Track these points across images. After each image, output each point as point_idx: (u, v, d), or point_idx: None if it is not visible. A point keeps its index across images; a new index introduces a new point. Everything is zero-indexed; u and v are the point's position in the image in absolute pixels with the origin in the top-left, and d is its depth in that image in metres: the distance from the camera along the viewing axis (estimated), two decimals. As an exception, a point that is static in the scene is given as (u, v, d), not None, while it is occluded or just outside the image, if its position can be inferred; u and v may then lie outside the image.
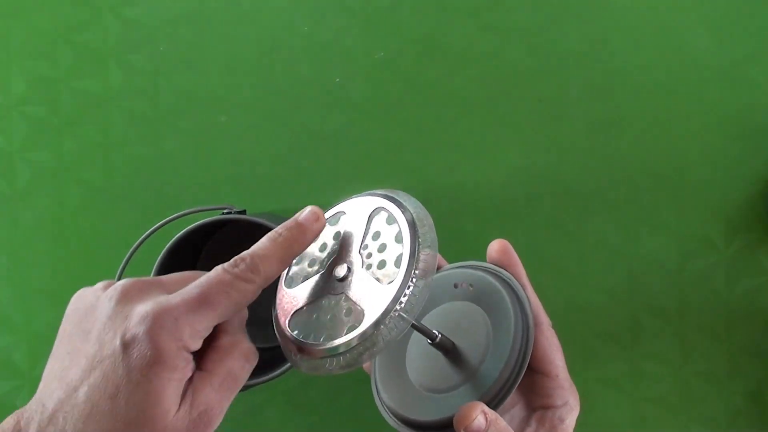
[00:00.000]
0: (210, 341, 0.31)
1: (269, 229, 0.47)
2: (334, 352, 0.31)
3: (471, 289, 0.37)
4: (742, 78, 0.57)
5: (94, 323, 0.29)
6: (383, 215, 0.33)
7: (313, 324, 0.32)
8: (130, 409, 0.27)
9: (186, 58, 0.58)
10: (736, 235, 0.57)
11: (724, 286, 0.57)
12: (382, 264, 0.31)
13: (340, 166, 0.58)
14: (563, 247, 0.57)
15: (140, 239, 0.47)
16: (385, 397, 0.38)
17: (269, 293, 0.34)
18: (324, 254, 0.34)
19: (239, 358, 0.31)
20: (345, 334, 0.31)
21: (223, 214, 0.48)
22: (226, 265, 0.30)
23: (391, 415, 0.38)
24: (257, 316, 0.39)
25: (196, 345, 0.29)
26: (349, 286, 0.32)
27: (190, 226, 0.46)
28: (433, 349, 0.36)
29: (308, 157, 0.58)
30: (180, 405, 0.28)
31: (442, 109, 0.58)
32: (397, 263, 0.31)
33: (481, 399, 0.34)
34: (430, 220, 0.33)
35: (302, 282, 0.34)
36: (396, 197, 0.33)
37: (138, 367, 0.27)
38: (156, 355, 0.27)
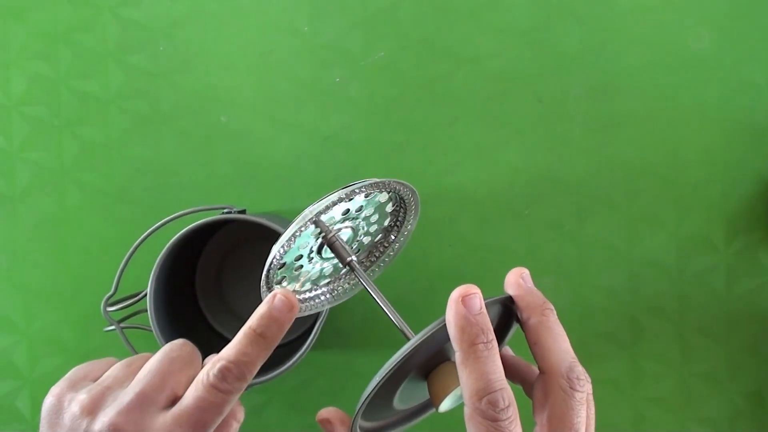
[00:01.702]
0: None
1: (269, 229, 0.47)
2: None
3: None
4: (742, 78, 0.57)
5: None
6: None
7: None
8: None
9: (186, 58, 0.58)
10: (736, 235, 0.57)
11: (724, 286, 0.57)
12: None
13: (340, 166, 0.58)
14: (563, 247, 0.57)
15: (140, 239, 0.47)
16: (366, 425, 0.37)
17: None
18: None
19: (231, 423, 0.33)
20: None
21: (223, 214, 0.48)
22: (212, 378, 0.31)
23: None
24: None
25: None
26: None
27: (190, 226, 0.46)
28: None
29: (308, 157, 0.58)
30: None
31: (442, 109, 0.58)
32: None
33: None
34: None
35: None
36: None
37: None
38: None
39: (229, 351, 0.32)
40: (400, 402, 0.36)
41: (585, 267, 0.57)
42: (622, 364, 0.57)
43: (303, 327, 0.57)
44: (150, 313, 0.47)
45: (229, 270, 0.58)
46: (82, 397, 0.31)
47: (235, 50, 0.58)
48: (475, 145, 0.58)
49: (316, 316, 0.49)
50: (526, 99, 0.57)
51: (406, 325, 0.35)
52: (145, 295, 0.47)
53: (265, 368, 0.46)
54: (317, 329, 0.47)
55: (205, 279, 0.58)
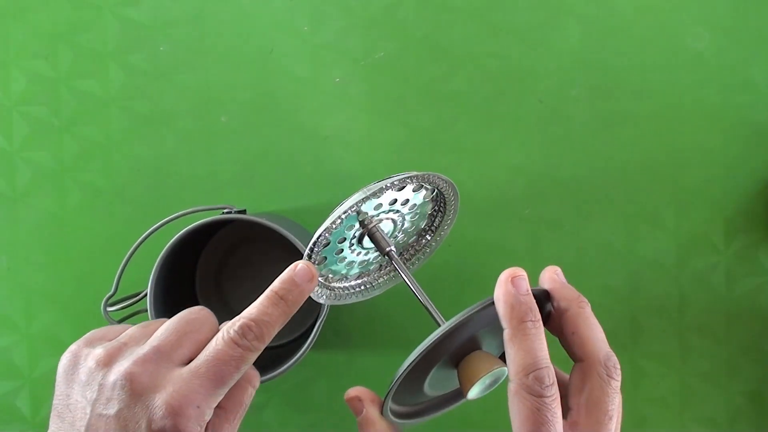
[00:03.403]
0: None
1: (269, 229, 0.47)
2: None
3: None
4: (742, 78, 0.57)
5: (110, 409, 0.29)
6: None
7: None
8: None
9: (186, 58, 0.58)
10: (736, 235, 0.57)
11: (724, 285, 0.57)
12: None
13: (339, 166, 0.58)
14: (563, 247, 0.57)
15: (140, 239, 0.47)
16: (395, 408, 0.37)
17: None
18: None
19: (247, 388, 0.33)
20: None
21: (223, 214, 0.48)
22: (233, 334, 0.31)
23: (399, 419, 0.38)
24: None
25: (212, 413, 0.31)
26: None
27: (190, 226, 0.46)
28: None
29: (308, 157, 0.58)
30: None
31: (442, 109, 0.58)
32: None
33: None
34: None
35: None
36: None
37: None
38: None
39: (250, 311, 0.33)
40: (431, 388, 0.36)
41: (585, 266, 0.57)
42: (622, 364, 0.57)
43: (303, 327, 0.57)
44: (150, 313, 0.47)
45: (229, 270, 0.58)
46: (98, 351, 0.31)
47: (235, 50, 0.58)
48: (475, 145, 0.58)
49: (317, 315, 0.49)
50: (526, 99, 0.57)
51: (439, 313, 0.36)
52: (145, 295, 0.47)
53: (265, 368, 0.46)
54: (317, 329, 0.47)
55: (205, 279, 0.58)
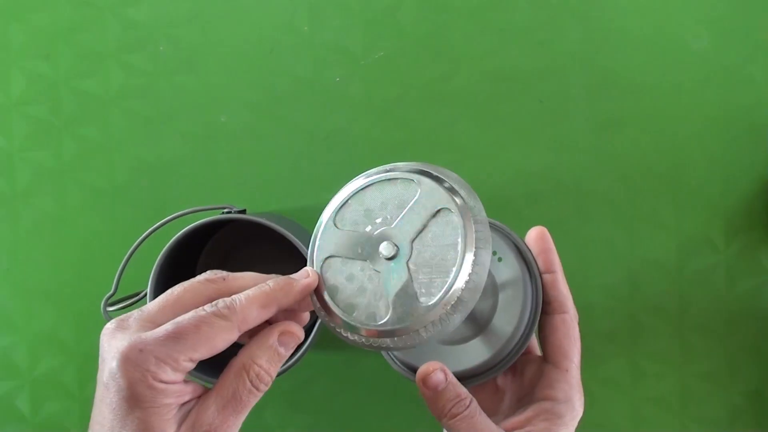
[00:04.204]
0: (230, 359, 0.32)
1: (269, 229, 0.47)
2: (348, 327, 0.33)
3: (495, 256, 0.39)
4: (742, 78, 0.56)
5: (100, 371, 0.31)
6: (446, 218, 0.33)
7: (341, 281, 0.34)
8: None
9: (186, 58, 0.58)
10: (736, 235, 0.57)
11: (724, 286, 0.57)
12: (426, 274, 0.32)
13: (340, 166, 0.58)
14: (563, 247, 0.57)
15: (140, 239, 0.47)
16: (399, 353, 0.38)
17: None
18: (381, 215, 0.34)
19: (242, 377, 0.31)
20: (360, 322, 0.33)
21: (223, 214, 0.48)
22: (207, 304, 0.31)
23: (402, 366, 0.39)
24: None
25: (171, 376, 0.29)
26: (388, 271, 0.33)
27: (190, 226, 0.46)
28: None
29: (308, 157, 0.58)
30: (179, 427, 0.30)
31: (442, 109, 0.58)
32: (442, 285, 0.32)
33: (494, 353, 0.37)
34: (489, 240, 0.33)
35: (348, 228, 0.35)
36: (465, 198, 0.34)
37: (119, 401, 0.29)
38: (127, 387, 0.28)
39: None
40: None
41: (585, 266, 0.57)
42: (622, 364, 0.57)
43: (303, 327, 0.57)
44: (150, 313, 0.47)
45: (229, 270, 0.58)
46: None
47: (235, 50, 0.58)
48: (475, 145, 0.58)
49: (317, 315, 0.48)
50: (526, 99, 0.57)
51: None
52: (145, 295, 0.47)
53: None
54: (317, 329, 0.47)
55: (205, 279, 0.58)
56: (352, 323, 0.33)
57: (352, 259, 0.34)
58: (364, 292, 0.33)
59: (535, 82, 0.57)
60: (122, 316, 0.31)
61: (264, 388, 0.32)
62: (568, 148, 0.57)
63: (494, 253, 0.39)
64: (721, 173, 0.57)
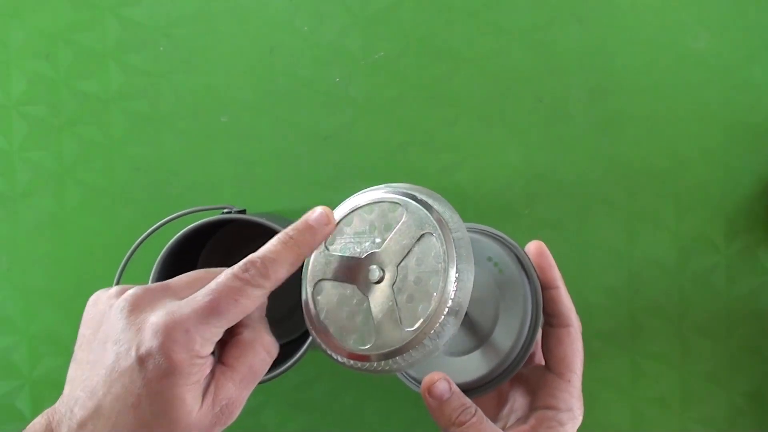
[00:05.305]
0: (232, 334, 0.32)
1: (269, 229, 0.47)
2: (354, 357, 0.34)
3: (496, 268, 0.39)
4: (742, 78, 0.57)
5: (108, 334, 0.30)
6: (430, 242, 0.33)
7: (333, 305, 0.34)
8: (153, 416, 0.28)
9: (186, 59, 0.58)
10: (736, 235, 0.57)
11: (724, 286, 0.57)
12: (410, 299, 0.33)
13: (340, 166, 0.58)
14: (563, 247, 0.57)
15: (140, 239, 0.47)
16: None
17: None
18: (369, 238, 0.35)
19: (260, 353, 0.32)
20: (349, 344, 0.34)
21: (223, 214, 0.48)
22: (236, 269, 0.31)
23: (407, 377, 0.39)
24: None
25: (208, 350, 0.30)
26: (374, 295, 0.33)
27: (190, 226, 0.46)
28: None
29: (308, 157, 0.58)
30: (202, 401, 0.29)
31: (442, 109, 0.58)
32: (424, 311, 0.32)
33: (494, 365, 0.36)
34: (472, 263, 0.33)
35: (338, 253, 0.35)
36: (445, 220, 0.34)
37: (155, 379, 0.28)
38: (171, 367, 0.28)
39: (259, 250, 0.32)
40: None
41: (585, 266, 0.57)
42: (622, 364, 0.57)
43: (303, 327, 0.57)
44: (150, 313, 0.47)
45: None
46: (114, 288, 0.32)
47: (235, 50, 0.58)
48: (475, 145, 0.58)
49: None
50: (526, 99, 0.57)
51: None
52: (145, 295, 0.47)
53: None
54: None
55: (205, 279, 0.58)
56: (343, 346, 0.34)
57: (343, 282, 0.34)
58: (354, 316, 0.34)
59: (535, 82, 0.57)
60: (135, 289, 0.31)
61: (275, 354, 0.33)
62: (568, 148, 0.57)
63: (495, 264, 0.39)
64: (722, 173, 0.57)
